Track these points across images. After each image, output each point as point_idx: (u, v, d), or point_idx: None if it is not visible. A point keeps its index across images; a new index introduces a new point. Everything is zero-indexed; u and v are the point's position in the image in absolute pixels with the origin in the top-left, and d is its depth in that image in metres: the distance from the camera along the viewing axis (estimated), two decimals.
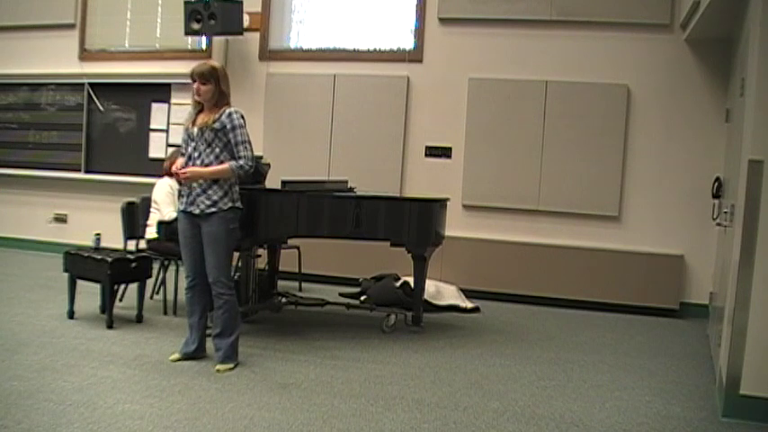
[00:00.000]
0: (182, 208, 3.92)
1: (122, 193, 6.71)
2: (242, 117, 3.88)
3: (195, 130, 3.85)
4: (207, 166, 3.81)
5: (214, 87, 3.82)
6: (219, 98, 3.85)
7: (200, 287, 3.95)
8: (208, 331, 4.06)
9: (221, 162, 3.81)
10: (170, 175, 5.31)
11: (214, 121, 3.80)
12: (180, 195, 3.97)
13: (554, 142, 6.44)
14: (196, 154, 3.84)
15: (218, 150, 3.82)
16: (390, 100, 6.85)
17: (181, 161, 3.94)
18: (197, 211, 3.84)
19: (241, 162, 3.82)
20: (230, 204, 3.87)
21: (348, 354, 4.32)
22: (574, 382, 3.99)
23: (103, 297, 4.82)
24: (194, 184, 3.84)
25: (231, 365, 3.86)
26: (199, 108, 3.91)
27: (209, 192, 3.82)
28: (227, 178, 3.85)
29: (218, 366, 3.84)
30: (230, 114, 3.83)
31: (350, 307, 5.36)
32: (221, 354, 3.89)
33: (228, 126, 3.81)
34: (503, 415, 3.36)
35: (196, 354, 4.00)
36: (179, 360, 3.95)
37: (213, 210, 3.81)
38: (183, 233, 3.93)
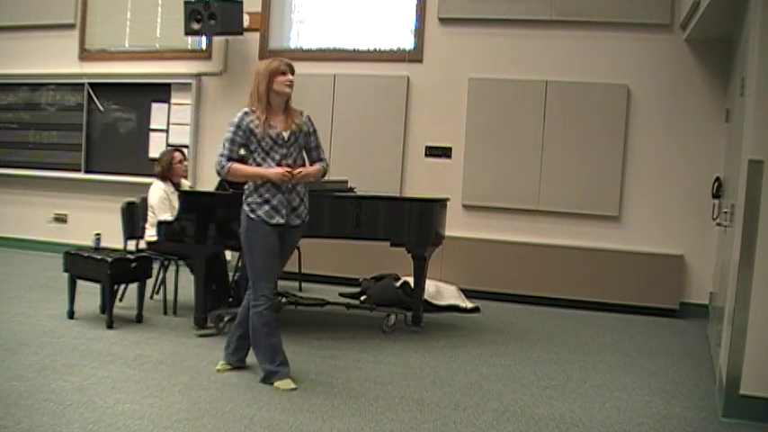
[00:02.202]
0: (279, 221, 3.55)
1: (122, 193, 6.70)
2: None
3: (286, 134, 3.58)
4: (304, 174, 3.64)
5: None
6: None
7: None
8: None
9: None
10: (163, 178, 5.32)
11: (303, 124, 3.66)
12: (271, 207, 3.56)
13: (554, 142, 6.44)
14: (290, 161, 3.58)
15: (304, 154, 3.72)
16: (390, 100, 6.85)
17: (243, 166, 3.60)
18: (297, 222, 3.64)
19: (325, 164, 3.76)
20: None
21: (348, 354, 4.32)
22: (574, 382, 3.99)
23: (103, 297, 4.82)
24: (294, 194, 3.60)
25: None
26: (267, 109, 3.57)
27: (305, 200, 3.69)
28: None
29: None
30: (309, 117, 3.73)
31: (350, 307, 5.36)
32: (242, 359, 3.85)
33: (311, 129, 3.72)
34: (503, 415, 3.36)
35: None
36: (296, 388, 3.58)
37: (308, 218, 3.72)
38: (272, 246, 3.57)
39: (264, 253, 3.56)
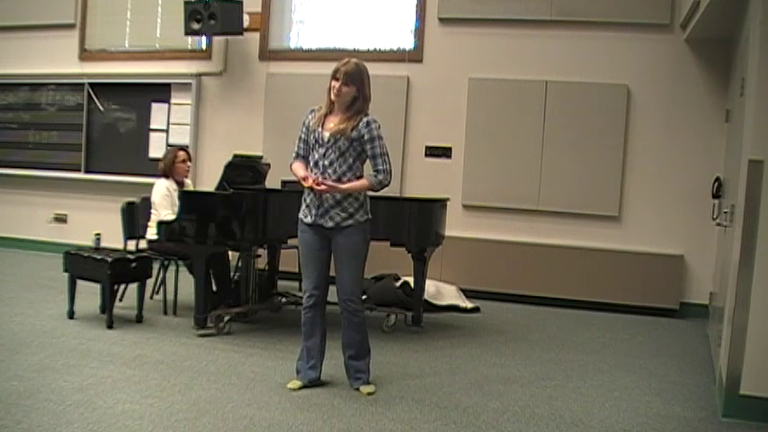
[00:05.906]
0: (309, 221, 3.58)
1: (122, 193, 6.70)
2: (380, 127, 3.57)
3: (327, 135, 3.51)
4: (340, 176, 3.49)
5: (356, 92, 3.52)
6: (359, 104, 3.55)
7: (322, 305, 3.68)
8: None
9: (354, 172, 3.53)
10: (166, 176, 5.32)
11: (351, 130, 3.49)
12: (306, 206, 3.62)
13: (554, 142, 6.44)
14: (326, 162, 3.51)
15: (351, 160, 3.52)
16: (390, 100, 6.83)
17: (298, 165, 3.65)
18: (330, 225, 3.53)
19: (380, 177, 3.53)
20: (366, 216, 3.61)
21: None
22: (574, 382, 3.99)
23: (103, 297, 4.82)
24: (327, 196, 3.51)
25: (374, 387, 3.65)
26: (330, 108, 3.59)
27: (345, 204, 3.53)
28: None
29: (367, 389, 3.60)
30: (369, 124, 3.52)
31: None
32: (364, 376, 3.67)
33: (366, 137, 3.51)
34: (503, 415, 3.36)
35: (319, 381, 3.69)
36: (301, 389, 3.60)
37: (350, 222, 3.54)
38: (310, 246, 3.60)
39: (302, 250, 3.69)
